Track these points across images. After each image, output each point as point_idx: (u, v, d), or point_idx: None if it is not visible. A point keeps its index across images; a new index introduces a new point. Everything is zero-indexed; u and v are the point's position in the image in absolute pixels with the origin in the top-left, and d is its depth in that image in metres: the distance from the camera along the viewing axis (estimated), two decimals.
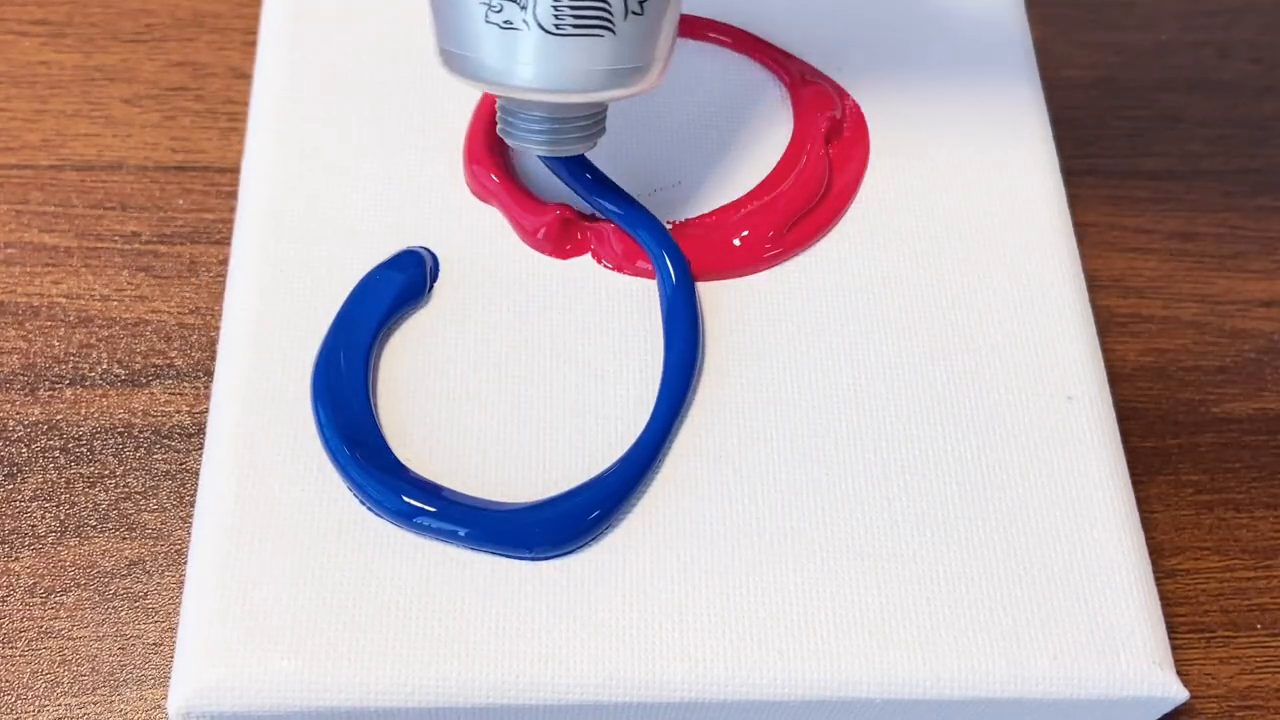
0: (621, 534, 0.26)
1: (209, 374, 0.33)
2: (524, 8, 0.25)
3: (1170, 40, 0.42)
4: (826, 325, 0.29)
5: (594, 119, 0.28)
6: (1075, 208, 0.32)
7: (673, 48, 0.27)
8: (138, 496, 0.31)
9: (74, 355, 0.33)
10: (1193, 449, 0.34)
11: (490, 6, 0.25)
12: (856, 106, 0.33)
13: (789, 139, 0.32)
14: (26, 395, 0.32)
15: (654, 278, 0.29)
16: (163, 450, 0.32)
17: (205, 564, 0.26)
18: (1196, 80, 0.41)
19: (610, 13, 0.25)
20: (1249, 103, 0.41)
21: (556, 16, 0.25)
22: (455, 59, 0.26)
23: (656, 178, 0.31)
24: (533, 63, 0.26)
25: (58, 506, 0.31)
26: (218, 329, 0.33)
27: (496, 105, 0.28)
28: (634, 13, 0.26)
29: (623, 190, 0.30)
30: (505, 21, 0.25)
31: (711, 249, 0.30)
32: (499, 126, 0.28)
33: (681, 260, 0.29)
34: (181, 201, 0.36)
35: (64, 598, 0.30)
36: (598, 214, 0.30)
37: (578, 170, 0.30)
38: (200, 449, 0.31)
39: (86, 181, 0.36)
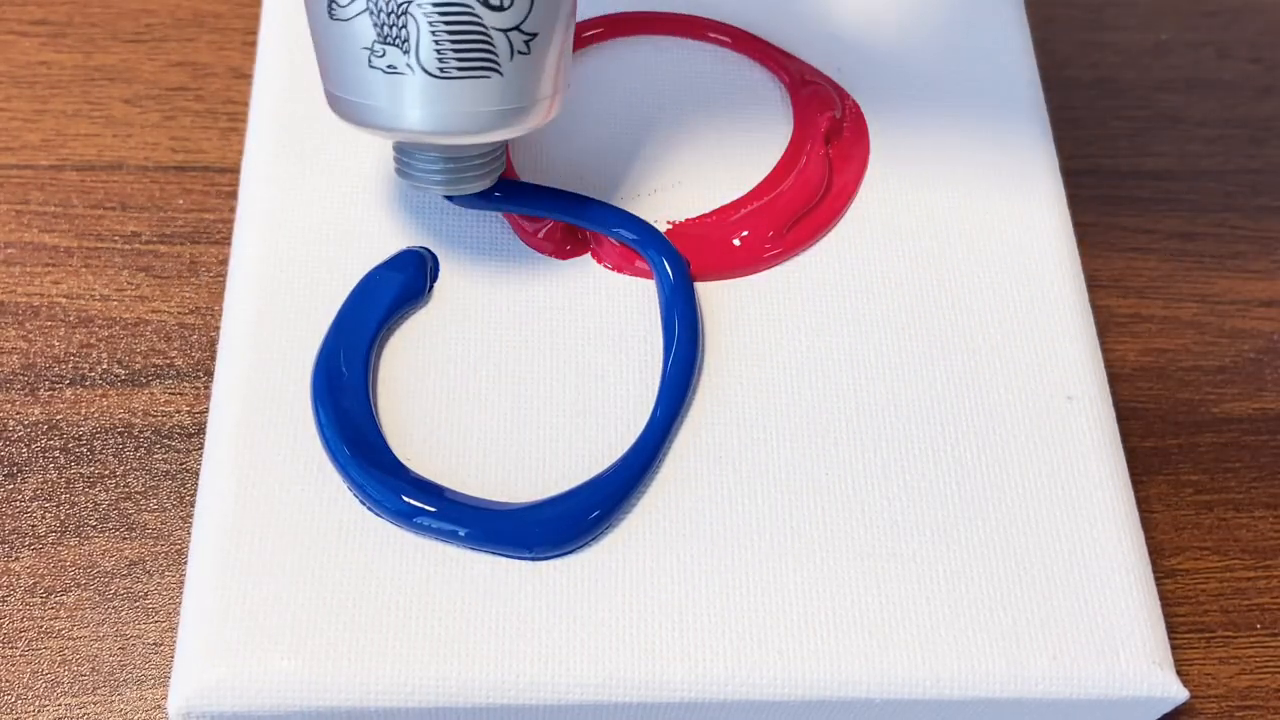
0: (621, 534, 0.26)
1: (209, 374, 0.33)
2: (406, 52, 0.24)
3: (1170, 40, 0.42)
4: (826, 325, 0.29)
5: (492, 156, 0.28)
6: (1075, 208, 0.32)
7: (565, 80, 0.27)
8: (138, 496, 0.31)
9: (74, 355, 0.33)
10: (1193, 449, 0.34)
11: (373, 51, 0.25)
12: (856, 106, 0.33)
13: (789, 139, 0.32)
14: (26, 395, 0.32)
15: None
16: (163, 450, 0.32)
17: (205, 564, 0.25)
18: (1196, 80, 0.41)
19: (495, 54, 0.25)
20: (1249, 103, 0.41)
21: (440, 59, 0.24)
22: (342, 103, 0.26)
23: (656, 178, 0.31)
24: (419, 106, 0.25)
25: (58, 506, 0.31)
26: (218, 329, 0.33)
27: (392, 146, 0.28)
28: (520, 52, 0.25)
29: (598, 200, 0.30)
30: (389, 66, 0.25)
31: (711, 249, 0.30)
32: (395, 167, 0.28)
33: (678, 260, 0.29)
34: (181, 201, 0.36)
35: (64, 598, 0.30)
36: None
37: (540, 199, 0.30)
38: (200, 449, 0.32)
39: (86, 181, 0.36)
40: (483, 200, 0.29)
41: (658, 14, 0.34)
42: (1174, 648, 0.27)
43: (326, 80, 0.26)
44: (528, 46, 0.25)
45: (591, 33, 0.33)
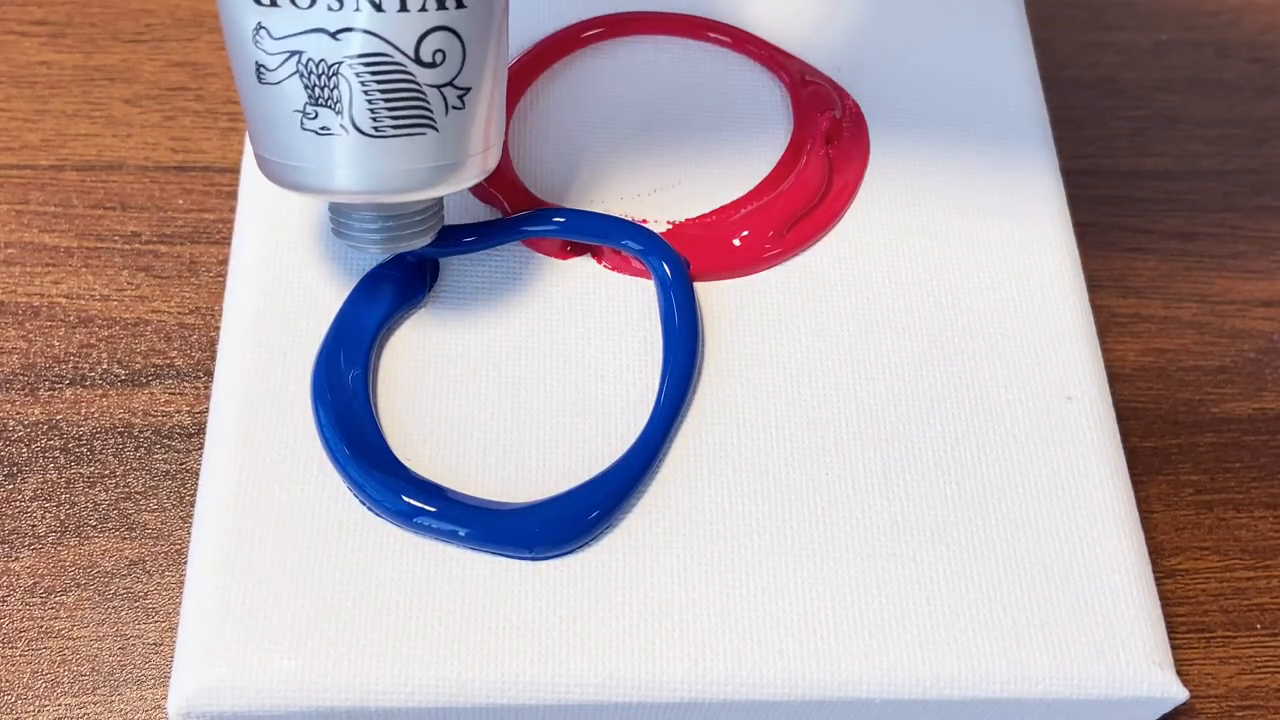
0: (621, 534, 0.26)
1: (209, 374, 0.33)
2: (339, 112, 0.24)
3: (1170, 40, 0.42)
4: (826, 325, 0.29)
5: (431, 212, 0.27)
6: (1075, 208, 0.32)
7: (501, 129, 0.27)
8: (138, 496, 0.31)
9: (74, 355, 0.33)
10: (1193, 449, 0.34)
11: (305, 114, 0.24)
12: (856, 106, 0.33)
13: (789, 139, 0.32)
14: (26, 395, 0.32)
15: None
16: (163, 450, 0.32)
17: (205, 564, 0.25)
18: (1196, 80, 0.41)
19: (430, 111, 0.24)
20: (1249, 103, 0.41)
21: (374, 119, 0.24)
22: (274, 167, 0.25)
23: (656, 178, 0.31)
24: (353, 166, 0.24)
25: (58, 506, 0.31)
26: (218, 329, 0.33)
27: (328, 208, 0.27)
28: (455, 108, 0.25)
29: (592, 213, 0.30)
30: (322, 128, 0.24)
31: (711, 249, 0.30)
32: (331, 227, 0.27)
33: (676, 259, 0.29)
34: (181, 201, 0.36)
35: (64, 598, 0.30)
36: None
37: (537, 221, 0.29)
38: (200, 449, 0.32)
39: (87, 181, 0.36)
40: (430, 250, 0.29)
41: (658, 14, 0.34)
42: (1174, 648, 0.27)
43: (257, 145, 0.25)
44: (462, 101, 0.25)
45: (591, 33, 0.33)
